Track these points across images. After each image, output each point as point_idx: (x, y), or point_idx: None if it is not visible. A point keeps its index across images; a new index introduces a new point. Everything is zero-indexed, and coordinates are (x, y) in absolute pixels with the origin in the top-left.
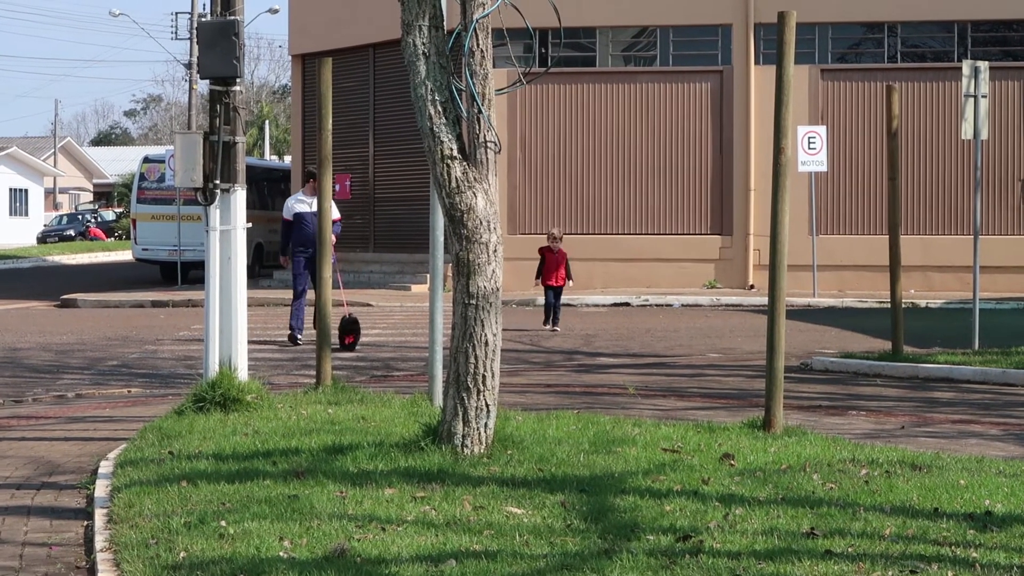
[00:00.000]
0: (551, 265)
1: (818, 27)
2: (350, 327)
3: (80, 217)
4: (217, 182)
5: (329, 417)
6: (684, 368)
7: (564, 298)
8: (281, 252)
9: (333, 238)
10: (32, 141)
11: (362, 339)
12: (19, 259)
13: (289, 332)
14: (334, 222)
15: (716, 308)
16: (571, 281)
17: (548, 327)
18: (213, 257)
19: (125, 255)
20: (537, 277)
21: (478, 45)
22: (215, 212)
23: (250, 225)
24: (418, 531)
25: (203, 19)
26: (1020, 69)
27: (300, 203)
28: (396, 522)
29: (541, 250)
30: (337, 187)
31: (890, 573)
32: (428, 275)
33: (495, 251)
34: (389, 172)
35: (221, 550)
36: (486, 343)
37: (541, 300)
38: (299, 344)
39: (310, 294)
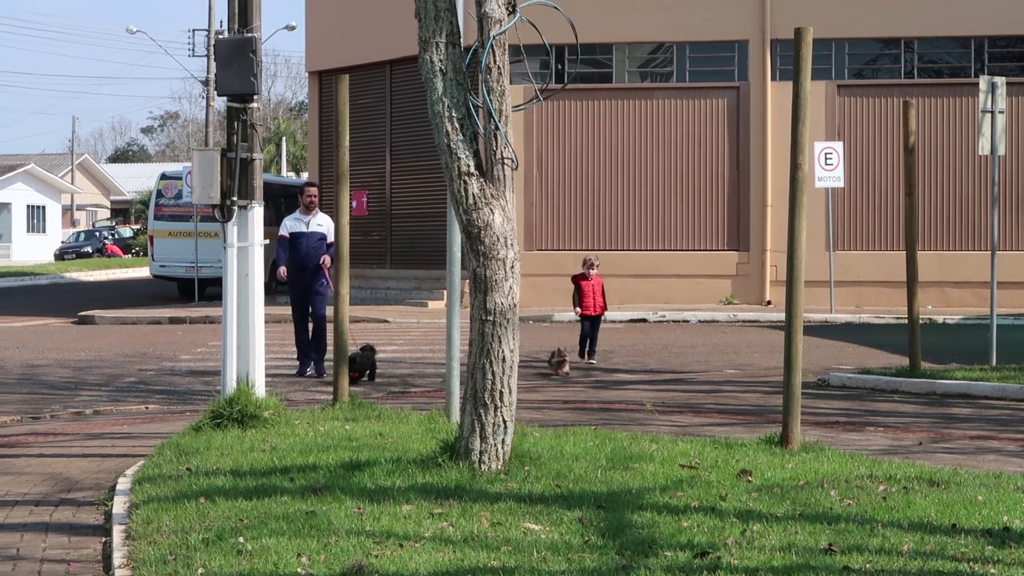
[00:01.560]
0: (587, 294)
1: (835, 43)
2: (362, 363)
3: (97, 234)
4: (234, 199)
5: (346, 433)
6: (701, 384)
7: None
8: (277, 263)
9: (327, 260)
10: (49, 158)
11: (380, 355)
12: (36, 276)
13: (299, 362)
14: (331, 244)
15: (733, 324)
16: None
17: (584, 360)
18: (231, 274)
19: (142, 272)
20: (576, 305)
21: (495, 62)
22: (232, 229)
23: (267, 242)
24: (436, 547)
25: (220, 36)
26: None
27: (296, 222)
28: (414, 538)
29: (575, 279)
30: (354, 203)
31: None
32: (445, 291)
33: (512, 267)
34: (406, 188)
35: (239, 566)
36: (503, 359)
37: (559, 316)
38: (307, 374)
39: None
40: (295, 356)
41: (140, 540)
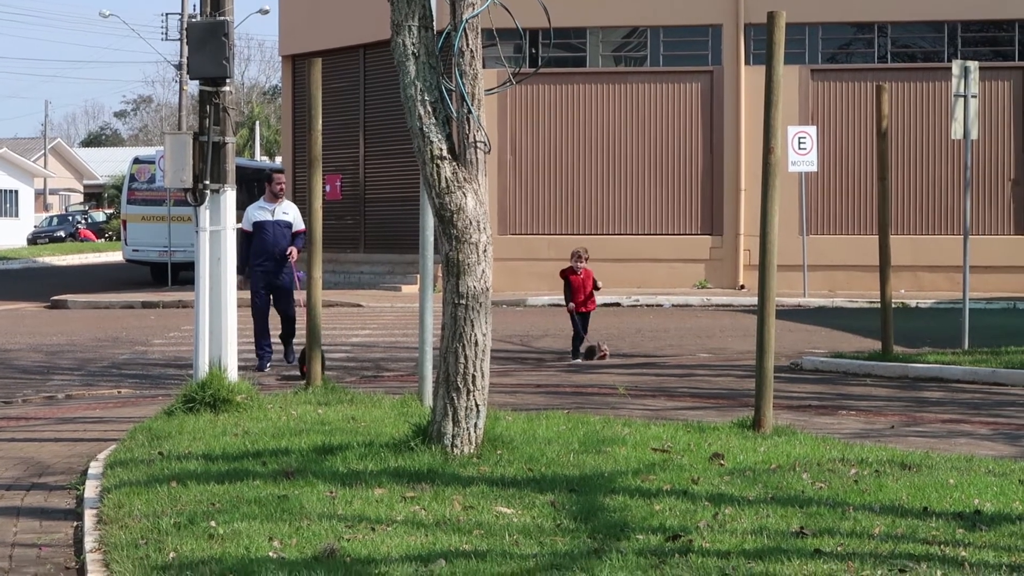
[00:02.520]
0: (577, 289)
1: (808, 27)
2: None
3: (70, 218)
4: (207, 183)
5: (319, 417)
6: (674, 368)
7: (554, 297)
8: (239, 269)
9: (294, 252)
10: (22, 142)
11: (353, 339)
12: (9, 260)
13: (258, 355)
14: (298, 233)
15: (706, 308)
16: (599, 284)
17: (579, 361)
18: (203, 258)
19: (115, 256)
20: (568, 300)
21: (468, 45)
22: (205, 213)
23: (240, 226)
24: (408, 531)
25: (193, 20)
26: (1010, 69)
27: (261, 211)
28: (386, 522)
29: (563, 273)
30: (328, 188)
31: (879, 572)
32: (418, 276)
33: (485, 251)
34: (379, 172)
35: (211, 550)
36: (476, 343)
37: (533, 300)
38: (265, 372)
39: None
40: (275, 342)
41: (111, 524)
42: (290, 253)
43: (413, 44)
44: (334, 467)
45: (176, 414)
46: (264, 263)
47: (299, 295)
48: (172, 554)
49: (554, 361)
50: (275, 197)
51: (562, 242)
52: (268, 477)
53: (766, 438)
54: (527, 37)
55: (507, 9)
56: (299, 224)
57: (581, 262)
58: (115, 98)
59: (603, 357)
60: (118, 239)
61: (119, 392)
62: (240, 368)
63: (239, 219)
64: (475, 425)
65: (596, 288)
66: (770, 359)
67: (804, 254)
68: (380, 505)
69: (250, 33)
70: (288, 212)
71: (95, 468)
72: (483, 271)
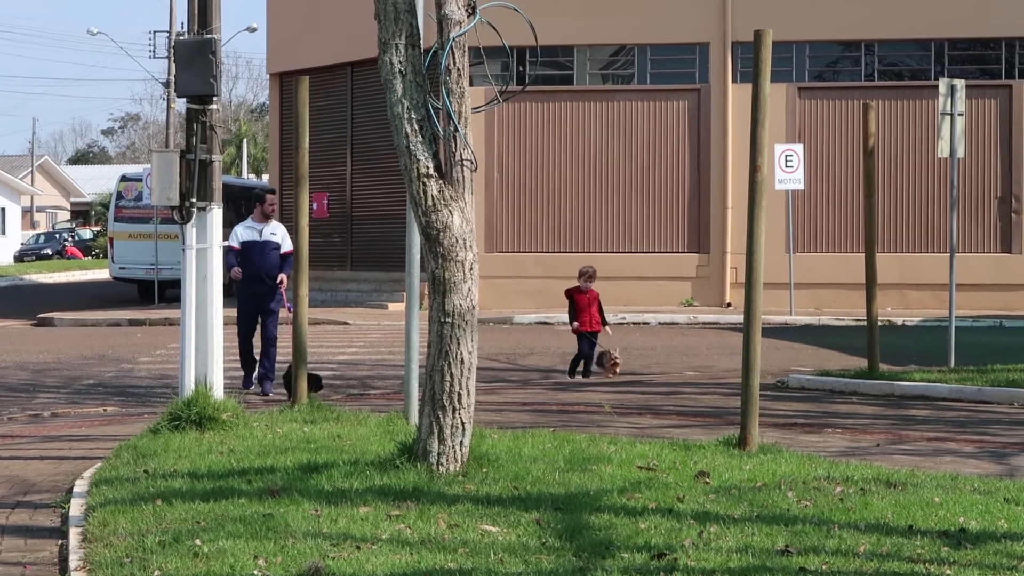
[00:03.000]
0: (583, 308)
1: (795, 45)
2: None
3: (57, 236)
4: (193, 200)
5: (304, 435)
6: (660, 386)
7: (541, 315)
8: (226, 267)
9: (285, 281)
10: (9, 160)
11: (339, 357)
12: None
13: (244, 373)
14: (286, 255)
15: (693, 326)
16: (608, 328)
17: (577, 379)
18: (189, 276)
19: (102, 274)
20: (572, 319)
21: (455, 63)
22: (191, 230)
23: (227, 244)
24: (393, 549)
25: (180, 38)
26: (996, 87)
27: (249, 231)
28: (371, 540)
29: (569, 292)
30: (315, 206)
31: None
32: (405, 293)
33: (471, 269)
34: (366, 190)
35: (195, 569)
36: (462, 361)
37: (519, 318)
38: (250, 388)
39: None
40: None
41: (96, 543)
42: (281, 282)
43: (400, 62)
44: (319, 485)
45: (162, 432)
46: (251, 285)
47: (284, 314)
48: (157, 572)
49: (540, 379)
50: (265, 218)
51: (549, 260)
52: (253, 495)
53: (752, 456)
54: (514, 55)
55: (494, 27)
56: (287, 245)
57: (589, 281)
58: (102, 116)
59: (614, 365)
60: (105, 257)
61: (105, 410)
62: (226, 386)
63: (226, 237)
64: (461, 443)
65: (602, 316)
66: (756, 377)
67: (791, 272)
68: (365, 523)
69: (238, 51)
70: (276, 233)
71: (80, 486)
72: (469, 289)
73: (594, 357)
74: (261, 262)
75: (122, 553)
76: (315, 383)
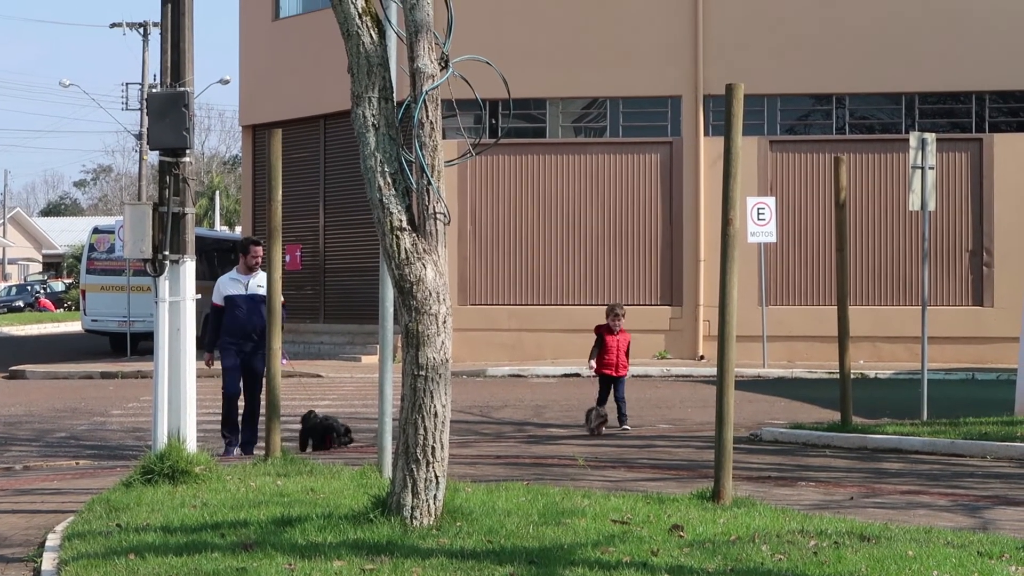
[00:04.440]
0: (610, 349)
1: (767, 99)
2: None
3: (29, 288)
4: (166, 253)
5: (278, 489)
6: (634, 439)
7: (514, 368)
8: (207, 347)
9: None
10: None
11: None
12: None
13: (225, 442)
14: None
15: (666, 379)
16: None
17: (593, 432)
18: (162, 328)
19: (74, 326)
20: (591, 358)
21: (428, 116)
22: (164, 283)
23: (199, 296)
24: None
25: (153, 90)
26: (967, 140)
27: (233, 283)
28: None
29: (599, 329)
30: (287, 258)
31: None
32: (378, 346)
33: (444, 322)
34: (339, 243)
35: None
36: (435, 414)
37: (492, 371)
38: (233, 455)
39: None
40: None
41: None
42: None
43: (373, 115)
44: (293, 539)
45: (134, 485)
46: (238, 342)
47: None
48: None
49: (514, 432)
50: (249, 270)
51: (522, 312)
52: (227, 549)
53: (726, 509)
54: (487, 108)
55: (467, 81)
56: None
57: (618, 321)
58: (75, 168)
59: (601, 425)
60: (77, 309)
61: (77, 463)
62: (199, 439)
63: (199, 290)
64: (434, 496)
65: (627, 359)
66: (729, 430)
67: (763, 325)
68: None
69: (211, 103)
70: (263, 285)
71: (52, 540)
72: (443, 342)
73: (590, 418)
74: (248, 318)
75: None
76: (346, 434)
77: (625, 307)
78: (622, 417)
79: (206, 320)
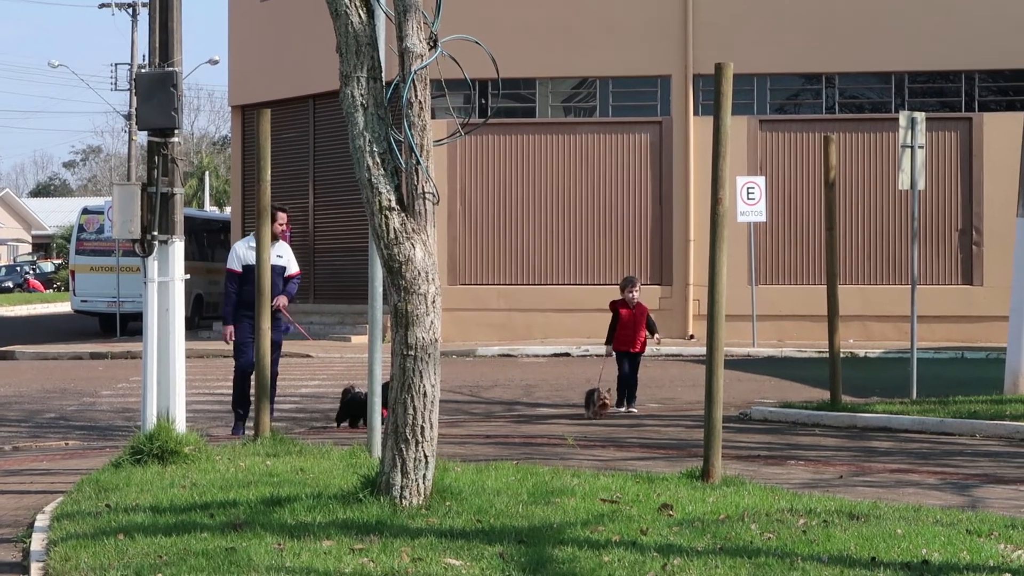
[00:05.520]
0: (627, 325)
1: (756, 78)
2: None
3: (19, 268)
4: (155, 233)
5: (267, 469)
6: (623, 418)
7: (504, 347)
8: (226, 319)
9: (281, 302)
10: None
11: (302, 390)
12: None
13: (235, 416)
14: (291, 277)
15: (656, 358)
16: (657, 335)
17: (623, 409)
18: (151, 309)
19: (64, 307)
20: (608, 341)
21: (416, 96)
22: (153, 263)
23: (188, 276)
24: None
25: (142, 70)
26: (956, 120)
27: (251, 251)
28: (334, 574)
29: (614, 304)
30: None
31: None
32: (368, 326)
33: (434, 302)
34: (329, 223)
35: None
36: (425, 394)
37: (482, 350)
38: (243, 432)
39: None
40: (217, 391)
41: None
42: (276, 304)
43: (362, 95)
44: (282, 519)
45: (124, 466)
46: (253, 313)
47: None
48: None
49: (503, 412)
50: (272, 238)
51: (511, 292)
52: (216, 529)
53: (715, 488)
54: (476, 88)
55: (456, 60)
56: (293, 267)
57: (634, 292)
58: (64, 148)
59: (603, 407)
60: (67, 290)
61: (67, 444)
62: (195, 410)
63: (187, 270)
64: (424, 476)
65: (651, 332)
66: (719, 409)
67: (753, 304)
68: (328, 557)
69: (200, 83)
70: (282, 255)
71: (42, 521)
72: (432, 322)
73: (636, 386)
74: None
75: None
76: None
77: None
78: (631, 399)
79: (196, 300)
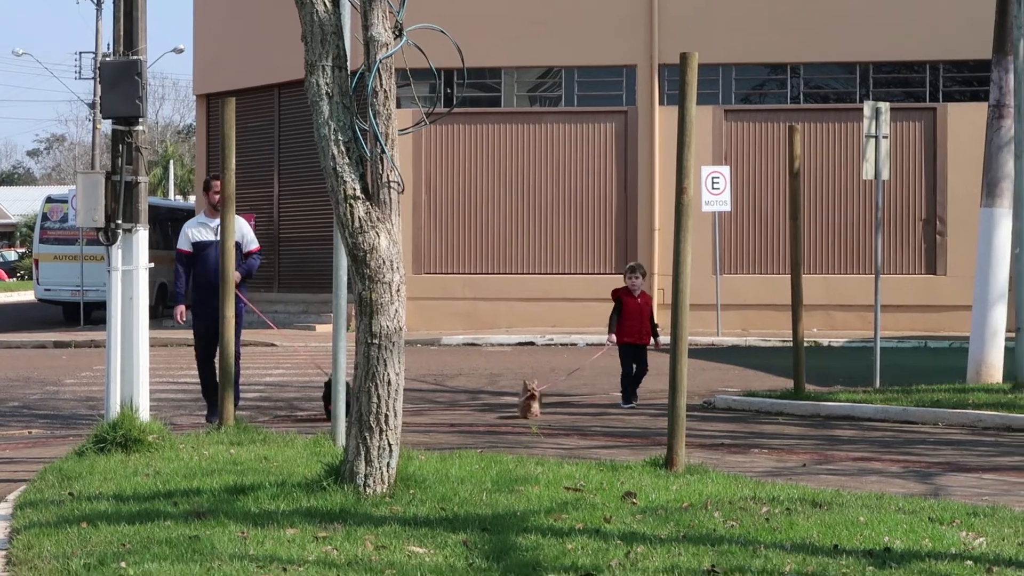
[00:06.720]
0: (631, 315)
1: (722, 68)
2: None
3: None
4: (119, 222)
5: (231, 457)
6: (588, 407)
7: (468, 336)
8: (178, 298)
9: (237, 276)
10: None
11: (266, 379)
12: None
13: (207, 403)
14: (251, 253)
15: None
16: (659, 338)
17: (628, 406)
18: (115, 297)
19: (27, 295)
20: (611, 331)
21: (381, 85)
22: (117, 252)
23: (152, 265)
24: (320, 571)
25: (107, 59)
26: (920, 110)
27: (201, 228)
28: (298, 562)
29: (616, 293)
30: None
31: None
32: (332, 315)
33: (398, 291)
34: (293, 212)
35: None
36: (389, 382)
37: (447, 339)
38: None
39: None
40: (180, 380)
41: (21, 566)
42: (236, 282)
43: (327, 84)
44: (246, 507)
45: (87, 454)
46: (205, 297)
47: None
48: None
49: (468, 400)
50: (215, 211)
51: (476, 281)
52: (179, 517)
53: (678, 476)
54: (442, 77)
55: (421, 50)
56: (251, 243)
57: (639, 279)
58: (28, 137)
59: (529, 400)
60: (30, 278)
61: (29, 432)
62: (159, 399)
63: (152, 259)
64: (388, 464)
65: (653, 327)
66: (682, 398)
67: (718, 293)
68: (292, 545)
69: (165, 72)
70: (235, 229)
71: (4, 509)
72: (396, 310)
73: (642, 377)
74: (217, 268)
75: None
76: None
77: (585, 275)
78: (632, 395)
79: (160, 288)
